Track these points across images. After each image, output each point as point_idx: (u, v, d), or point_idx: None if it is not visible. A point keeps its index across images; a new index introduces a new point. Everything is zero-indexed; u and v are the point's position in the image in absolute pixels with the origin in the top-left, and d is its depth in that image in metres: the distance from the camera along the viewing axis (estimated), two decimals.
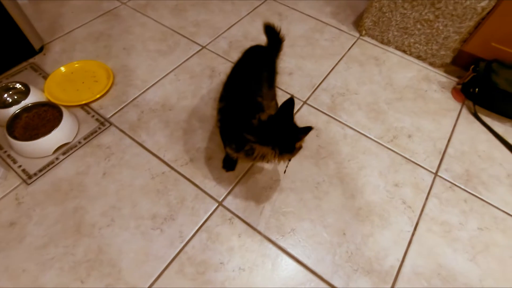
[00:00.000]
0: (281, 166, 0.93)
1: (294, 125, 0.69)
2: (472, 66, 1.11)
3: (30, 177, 0.87)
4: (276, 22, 1.36)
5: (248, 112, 0.72)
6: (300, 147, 0.71)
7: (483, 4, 1.01)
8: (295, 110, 1.06)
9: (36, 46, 1.15)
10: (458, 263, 0.80)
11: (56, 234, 0.79)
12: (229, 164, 0.91)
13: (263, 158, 0.69)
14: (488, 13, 1.03)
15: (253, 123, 0.68)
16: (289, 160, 0.77)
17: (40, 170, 0.88)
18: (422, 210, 0.89)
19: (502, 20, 1.00)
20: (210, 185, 0.89)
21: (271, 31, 0.97)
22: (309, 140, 1.00)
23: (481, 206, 0.90)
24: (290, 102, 0.67)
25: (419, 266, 0.79)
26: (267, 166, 0.94)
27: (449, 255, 0.81)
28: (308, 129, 0.65)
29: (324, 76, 1.19)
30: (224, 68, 1.18)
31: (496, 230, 0.86)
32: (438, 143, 1.03)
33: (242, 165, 0.93)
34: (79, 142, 0.95)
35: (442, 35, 1.15)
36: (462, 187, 0.94)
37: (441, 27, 1.14)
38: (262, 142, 0.66)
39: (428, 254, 0.81)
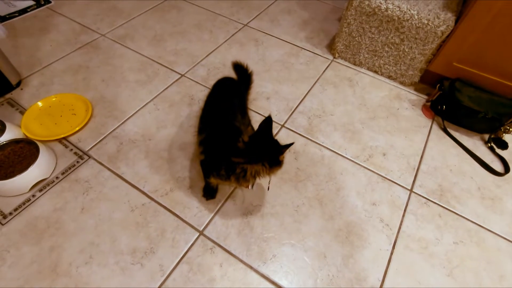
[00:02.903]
0: (254, 190, 0.94)
1: (275, 140, 0.74)
2: (438, 85, 1.17)
3: (5, 217, 0.85)
4: (252, 48, 1.42)
5: (230, 137, 0.76)
6: (283, 161, 0.75)
7: (442, 28, 1.08)
8: (273, 133, 1.09)
9: (13, 81, 1.15)
10: (436, 279, 0.82)
11: (31, 275, 0.77)
12: (209, 192, 0.92)
13: (256, 176, 0.72)
14: (447, 36, 1.10)
15: (239, 146, 0.71)
16: (270, 177, 0.81)
17: (16, 209, 0.87)
18: (399, 228, 0.91)
19: (461, 42, 1.08)
20: (191, 215, 0.89)
21: (239, 68, 1.05)
22: (288, 163, 1.03)
23: (455, 219, 0.94)
24: (268, 120, 0.72)
25: (399, 284, 0.81)
26: (249, 189, 0.95)
27: (427, 271, 0.83)
28: (289, 144, 0.70)
29: (301, 99, 1.24)
30: (203, 95, 1.21)
31: (470, 243, 0.89)
32: (411, 159, 1.07)
33: (223, 192, 0.94)
34: (57, 177, 0.94)
35: (409, 57, 1.22)
36: (437, 202, 0.97)
37: (406, 49, 1.21)
38: (252, 161, 0.70)
39: (407, 272, 0.83)
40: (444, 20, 1.07)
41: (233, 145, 0.73)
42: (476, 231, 0.92)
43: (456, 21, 1.08)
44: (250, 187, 0.79)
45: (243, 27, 1.53)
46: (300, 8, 1.67)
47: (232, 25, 1.54)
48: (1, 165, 0.91)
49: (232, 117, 0.84)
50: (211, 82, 1.25)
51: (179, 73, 1.29)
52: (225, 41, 1.45)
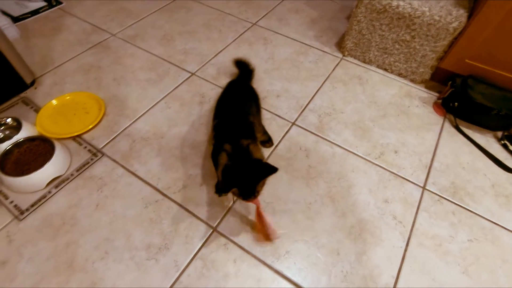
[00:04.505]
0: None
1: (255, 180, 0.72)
2: (450, 82, 1.17)
3: (22, 212, 0.87)
4: (261, 46, 1.42)
5: (241, 127, 0.81)
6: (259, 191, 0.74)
7: (454, 25, 1.07)
8: (283, 132, 1.09)
9: (28, 81, 1.17)
10: (451, 277, 0.81)
11: (48, 271, 0.78)
12: (221, 188, 0.93)
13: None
14: (459, 33, 1.10)
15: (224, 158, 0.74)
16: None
17: (32, 205, 0.88)
18: (413, 225, 0.90)
19: (473, 38, 1.07)
20: (204, 211, 0.90)
21: (241, 64, 1.12)
22: (299, 161, 1.03)
23: (469, 217, 0.93)
24: (272, 169, 0.70)
25: (414, 281, 0.80)
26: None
27: (441, 268, 0.83)
28: (271, 170, 0.69)
29: (311, 97, 1.24)
30: (213, 94, 1.21)
31: (485, 241, 0.88)
32: (423, 157, 1.06)
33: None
34: (72, 175, 0.95)
35: (420, 54, 1.22)
36: (450, 199, 0.97)
37: (417, 47, 1.20)
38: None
39: (421, 269, 0.82)
40: (457, 17, 1.07)
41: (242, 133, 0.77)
42: (490, 228, 0.91)
43: (469, 18, 1.07)
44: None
45: (251, 26, 1.54)
46: (308, 7, 1.67)
47: (241, 24, 1.54)
48: (17, 162, 0.92)
49: (246, 109, 0.88)
50: (221, 80, 1.26)
51: (189, 72, 1.30)
52: (234, 40, 1.45)
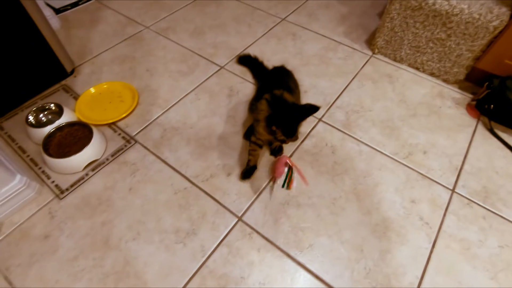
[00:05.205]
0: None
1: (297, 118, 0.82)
2: (486, 83, 1.12)
3: (62, 192, 0.93)
4: (290, 42, 1.43)
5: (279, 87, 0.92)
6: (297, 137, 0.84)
7: (495, 23, 1.03)
8: (310, 128, 1.10)
9: (68, 69, 1.24)
10: (479, 281, 0.80)
11: (85, 246, 0.83)
12: (246, 173, 0.96)
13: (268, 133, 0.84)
14: (500, 32, 1.05)
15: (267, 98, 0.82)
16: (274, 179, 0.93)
17: (72, 186, 0.94)
18: (440, 227, 0.89)
19: None
20: (230, 201, 0.93)
21: (247, 60, 1.21)
22: (325, 157, 1.03)
23: (500, 223, 0.90)
24: (313, 108, 0.80)
25: (439, 283, 0.79)
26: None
27: (469, 272, 0.81)
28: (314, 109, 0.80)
29: (338, 93, 1.23)
30: (241, 87, 1.23)
31: None
32: (454, 159, 1.04)
33: (260, 180, 0.97)
34: (107, 159, 1.01)
35: (455, 53, 1.18)
36: (480, 203, 0.94)
37: (453, 46, 1.16)
38: (269, 118, 0.82)
39: (447, 272, 0.81)
40: (498, 15, 1.02)
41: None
42: None
43: (511, 16, 1.02)
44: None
45: (281, 21, 1.54)
46: (339, 2, 1.65)
47: (270, 19, 1.55)
48: (59, 144, 0.99)
49: (287, 79, 1.03)
50: (249, 74, 1.28)
51: (219, 65, 1.32)
52: (263, 34, 1.47)
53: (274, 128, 0.80)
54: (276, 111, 0.81)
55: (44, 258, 0.81)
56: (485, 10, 1.04)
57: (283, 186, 0.88)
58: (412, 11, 1.17)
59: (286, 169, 0.89)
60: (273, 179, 0.93)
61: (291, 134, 0.80)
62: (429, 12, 1.13)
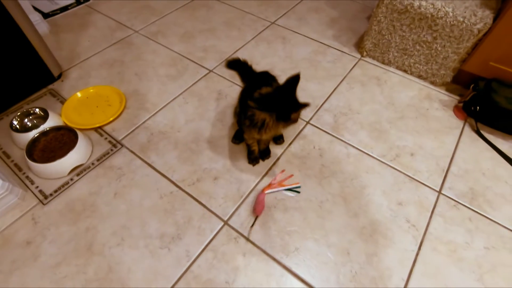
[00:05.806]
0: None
1: (294, 97, 0.77)
2: (472, 85, 1.13)
3: (46, 197, 0.92)
4: (279, 45, 1.43)
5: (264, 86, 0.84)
6: (296, 120, 0.78)
7: (479, 26, 1.04)
8: (297, 131, 1.10)
9: (55, 73, 1.23)
10: (465, 283, 0.79)
11: (68, 253, 0.82)
12: (253, 158, 1.00)
13: (263, 125, 0.78)
14: (484, 34, 1.06)
15: (255, 94, 0.78)
16: (256, 217, 0.88)
17: (56, 191, 0.93)
18: (426, 229, 0.89)
19: (499, 40, 1.03)
20: (216, 205, 0.92)
21: (236, 64, 1.06)
22: (312, 160, 1.03)
23: (487, 224, 0.90)
24: (296, 77, 0.76)
25: (425, 286, 0.79)
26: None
27: (455, 275, 0.81)
28: (306, 104, 0.74)
29: (327, 96, 1.23)
30: (230, 91, 1.23)
31: (503, 249, 0.85)
32: (441, 161, 1.04)
33: (248, 183, 0.96)
34: (92, 164, 1.00)
35: (441, 56, 1.19)
36: (467, 205, 0.94)
37: (439, 48, 1.17)
38: (260, 108, 0.76)
39: (433, 274, 0.81)
40: (482, 18, 1.04)
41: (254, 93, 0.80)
42: (509, 237, 0.88)
43: (495, 19, 1.03)
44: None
45: (270, 25, 1.55)
46: (329, 6, 1.66)
47: (260, 23, 1.56)
48: (44, 149, 0.98)
49: (272, 80, 0.94)
50: (238, 78, 1.28)
51: (208, 69, 1.32)
52: (253, 38, 1.47)
53: (268, 119, 0.77)
54: (263, 102, 0.76)
55: (25, 265, 0.80)
56: (469, 13, 1.05)
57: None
58: (399, 14, 1.18)
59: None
60: (254, 216, 0.89)
61: (286, 116, 0.76)
62: (415, 15, 1.14)
